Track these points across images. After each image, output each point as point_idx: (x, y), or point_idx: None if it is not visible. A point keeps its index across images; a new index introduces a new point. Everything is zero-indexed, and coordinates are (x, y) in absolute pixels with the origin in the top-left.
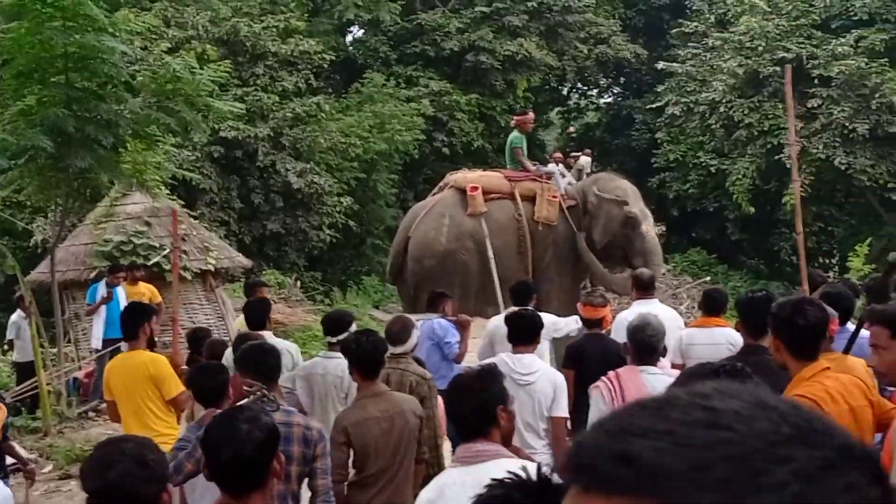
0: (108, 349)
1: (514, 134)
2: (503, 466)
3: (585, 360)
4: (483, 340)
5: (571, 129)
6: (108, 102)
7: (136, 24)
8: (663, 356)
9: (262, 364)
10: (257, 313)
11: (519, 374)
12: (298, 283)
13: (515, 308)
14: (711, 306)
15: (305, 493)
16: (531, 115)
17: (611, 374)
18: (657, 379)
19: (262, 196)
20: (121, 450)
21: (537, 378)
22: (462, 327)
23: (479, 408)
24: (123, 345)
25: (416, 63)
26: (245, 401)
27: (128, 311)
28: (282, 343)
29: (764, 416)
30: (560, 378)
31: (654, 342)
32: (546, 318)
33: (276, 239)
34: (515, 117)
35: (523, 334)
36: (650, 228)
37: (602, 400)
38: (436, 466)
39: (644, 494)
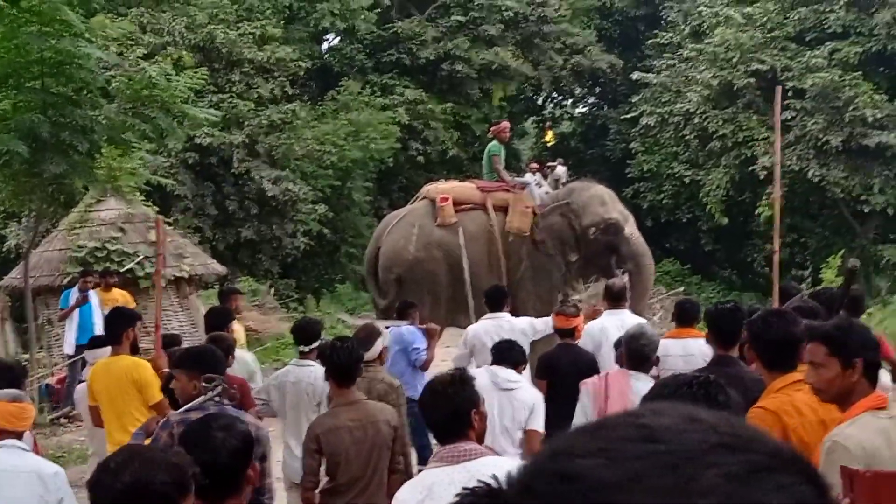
0: (81, 355)
1: (493, 143)
2: (492, 464)
3: (558, 371)
4: (462, 348)
5: (550, 133)
6: (83, 108)
7: (112, 29)
8: (656, 364)
9: (211, 363)
10: (220, 320)
11: (502, 378)
12: (272, 290)
13: (491, 314)
14: (684, 317)
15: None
16: (507, 123)
17: (602, 373)
18: (644, 385)
19: (237, 203)
20: (117, 471)
21: (518, 387)
22: (429, 336)
23: (453, 412)
24: (87, 353)
25: (391, 71)
26: (205, 396)
27: (111, 316)
28: (238, 352)
29: (694, 428)
30: (539, 395)
31: (647, 351)
32: (523, 321)
33: (250, 246)
34: (492, 128)
35: (509, 360)
36: (634, 230)
37: (588, 396)
38: (405, 475)
39: None
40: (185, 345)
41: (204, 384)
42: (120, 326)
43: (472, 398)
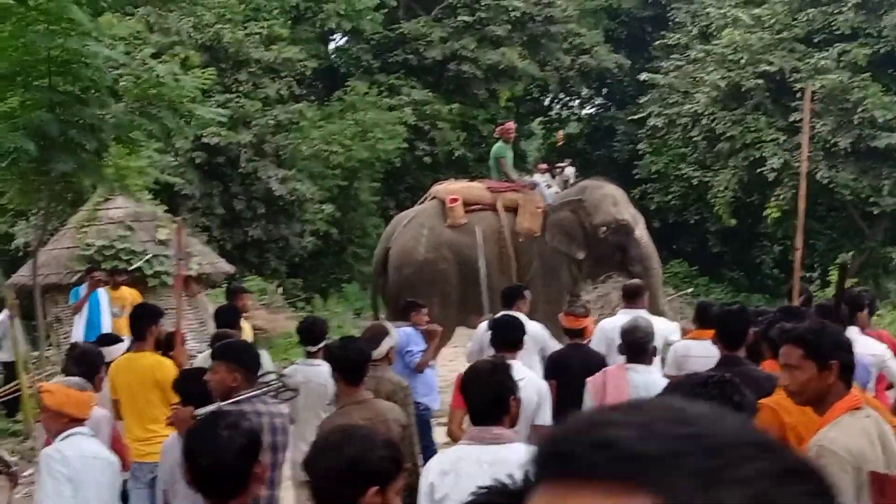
0: None
1: (498, 144)
2: (519, 451)
3: (568, 371)
4: (473, 345)
5: (560, 134)
6: (91, 107)
7: (119, 29)
8: (654, 355)
9: (251, 357)
10: (228, 319)
11: None
12: (280, 289)
13: (505, 312)
14: (706, 319)
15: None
16: (512, 124)
17: (602, 370)
18: (641, 377)
19: (244, 202)
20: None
21: (524, 385)
22: (430, 337)
23: (493, 397)
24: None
25: (398, 72)
26: (262, 390)
27: (136, 312)
28: None
29: (727, 421)
30: (545, 387)
31: (643, 342)
32: (535, 326)
33: (257, 245)
34: (498, 128)
35: (506, 340)
36: (643, 233)
37: (589, 394)
38: (414, 475)
39: (622, 478)
40: (189, 343)
41: (260, 381)
42: (144, 322)
43: (511, 385)
